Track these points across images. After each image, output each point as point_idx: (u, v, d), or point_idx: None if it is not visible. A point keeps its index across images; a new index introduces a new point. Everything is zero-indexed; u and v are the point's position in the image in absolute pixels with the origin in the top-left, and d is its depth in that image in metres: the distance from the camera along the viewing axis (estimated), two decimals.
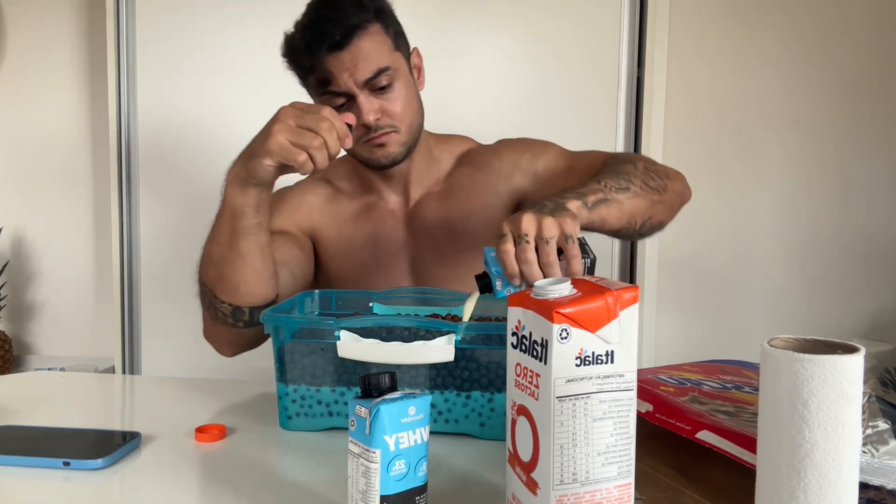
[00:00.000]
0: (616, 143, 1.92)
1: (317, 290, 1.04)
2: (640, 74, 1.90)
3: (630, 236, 0.98)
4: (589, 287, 0.53)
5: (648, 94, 1.88)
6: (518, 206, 1.14)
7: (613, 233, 0.94)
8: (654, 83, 1.88)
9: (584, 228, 0.87)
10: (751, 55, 1.92)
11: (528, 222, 0.78)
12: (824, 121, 1.92)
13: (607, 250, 1.96)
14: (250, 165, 0.88)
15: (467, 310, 0.86)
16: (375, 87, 1.02)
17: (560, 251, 0.79)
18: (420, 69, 1.14)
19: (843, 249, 1.94)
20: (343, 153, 1.04)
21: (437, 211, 1.14)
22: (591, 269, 0.83)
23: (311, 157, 0.85)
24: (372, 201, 1.17)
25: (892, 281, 1.93)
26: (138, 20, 1.96)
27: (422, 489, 0.58)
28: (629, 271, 1.97)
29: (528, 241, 0.77)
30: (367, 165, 1.11)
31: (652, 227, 0.99)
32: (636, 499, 0.56)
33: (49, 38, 2.12)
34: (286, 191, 1.19)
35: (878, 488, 0.57)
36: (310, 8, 1.04)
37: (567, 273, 0.79)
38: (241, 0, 1.92)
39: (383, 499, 0.56)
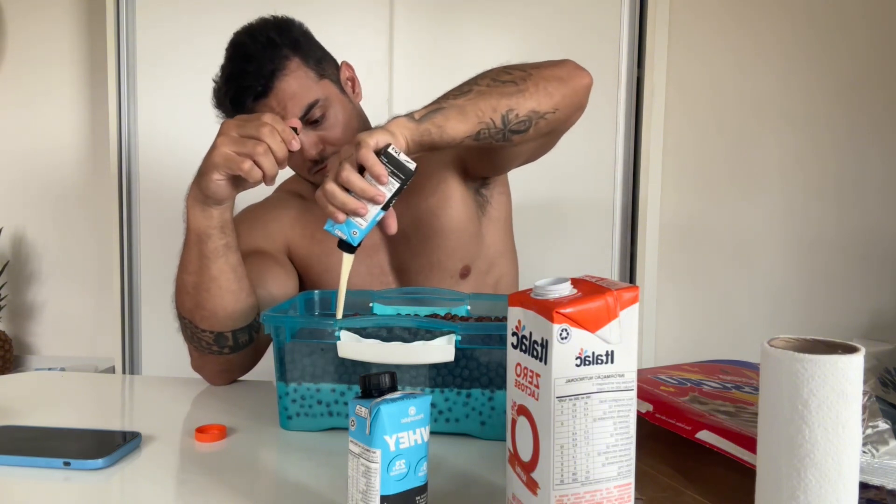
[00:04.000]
0: (616, 142, 1.92)
1: (317, 291, 1.04)
2: (640, 74, 1.90)
3: (499, 137, 0.89)
4: (589, 287, 0.53)
5: (648, 94, 1.88)
6: (464, 171, 1.13)
7: (473, 139, 0.87)
8: (654, 83, 1.88)
9: (429, 145, 0.84)
10: (750, 55, 1.92)
11: (330, 163, 0.80)
12: (824, 121, 1.92)
13: (607, 250, 1.96)
14: (202, 184, 0.88)
15: (343, 274, 0.86)
16: (310, 120, 1.03)
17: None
18: (354, 80, 1.13)
19: (842, 249, 1.94)
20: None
21: (400, 204, 1.14)
22: (400, 172, 0.80)
23: (258, 164, 0.85)
24: None
25: (892, 281, 1.94)
26: (138, 22, 1.96)
27: (422, 489, 0.58)
28: (629, 271, 1.97)
29: (325, 178, 0.79)
30: None
31: (522, 118, 0.90)
32: (636, 499, 0.56)
33: (49, 40, 2.12)
34: (256, 207, 1.19)
35: (878, 488, 0.57)
36: (227, 61, 1.04)
37: (375, 178, 0.79)
38: (241, 4, 1.92)
39: (384, 499, 0.56)
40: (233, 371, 1.04)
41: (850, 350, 0.48)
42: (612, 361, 0.52)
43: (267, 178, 0.86)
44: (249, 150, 0.84)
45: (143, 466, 0.75)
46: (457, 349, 0.79)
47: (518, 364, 0.55)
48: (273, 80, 1.01)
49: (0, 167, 2.17)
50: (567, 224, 1.95)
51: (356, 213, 0.80)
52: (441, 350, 0.79)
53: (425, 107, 0.86)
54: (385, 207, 0.81)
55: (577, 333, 0.51)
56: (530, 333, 0.53)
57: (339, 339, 0.80)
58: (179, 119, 1.98)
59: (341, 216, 0.80)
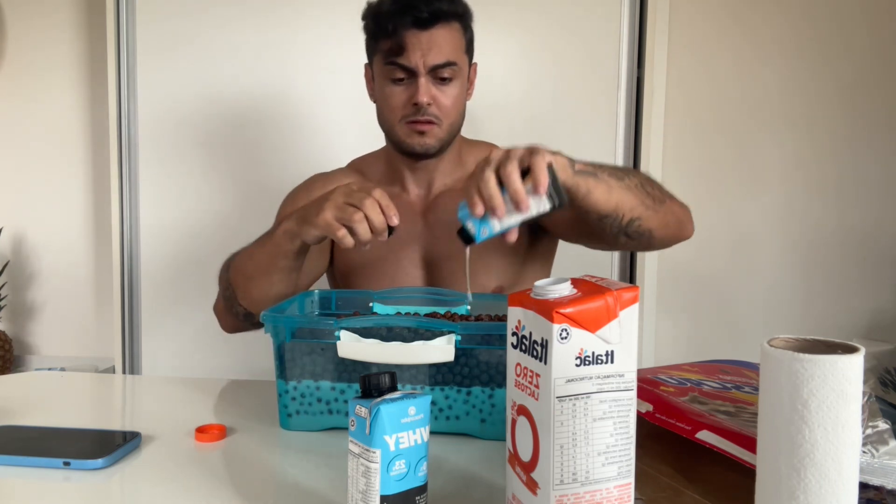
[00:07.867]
0: (616, 142, 1.92)
1: (316, 290, 1.04)
2: (640, 74, 1.90)
3: (615, 230, 0.95)
4: (589, 287, 0.53)
5: (648, 94, 1.88)
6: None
7: (599, 217, 0.92)
8: (654, 83, 1.88)
9: (572, 197, 0.86)
10: (750, 55, 1.92)
11: (495, 152, 0.81)
12: (824, 121, 1.92)
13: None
14: (302, 229, 0.95)
15: (465, 265, 0.93)
16: (438, 76, 1.07)
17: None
18: (473, 83, 1.18)
19: (842, 249, 1.94)
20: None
21: (454, 206, 1.15)
22: (557, 195, 0.78)
23: (352, 231, 0.89)
24: (395, 192, 1.19)
25: (891, 281, 1.94)
26: (138, 16, 1.96)
27: (422, 489, 0.58)
28: (629, 271, 1.97)
29: (487, 165, 0.80)
30: (401, 149, 1.13)
31: (640, 231, 0.97)
32: (636, 499, 0.56)
33: (49, 36, 2.11)
34: (318, 178, 1.24)
35: (878, 488, 0.57)
36: None
37: (534, 185, 0.76)
38: (240, 4, 1.92)
39: (383, 499, 0.56)
40: (244, 329, 1.13)
41: (850, 350, 0.48)
42: (611, 361, 0.52)
43: (360, 244, 0.90)
44: (348, 217, 0.89)
45: (143, 466, 0.75)
46: (457, 348, 0.79)
47: (518, 364, 0.55)
48: (437, 21, 1.05)
49: (0, 167, 2.16)
50: None
51: (494, 213, 0.78)
52: (441, 350, 0.79)
53: (584, 164, 0.88)
54: (525, 222, 0.79)
55: (577, 333, 0.51)
56: (530, 333, 0.53)
57: (338, 338, 0.80)
58: (180, 118, 1.98)
59: (480, 209, 0.79)
